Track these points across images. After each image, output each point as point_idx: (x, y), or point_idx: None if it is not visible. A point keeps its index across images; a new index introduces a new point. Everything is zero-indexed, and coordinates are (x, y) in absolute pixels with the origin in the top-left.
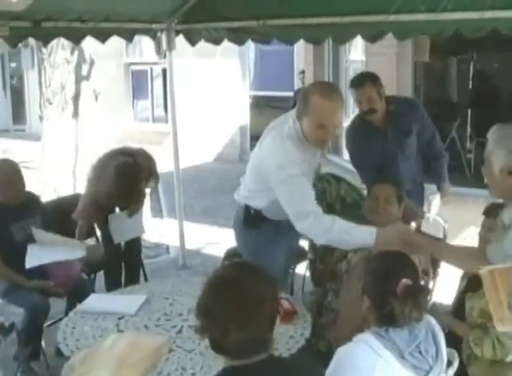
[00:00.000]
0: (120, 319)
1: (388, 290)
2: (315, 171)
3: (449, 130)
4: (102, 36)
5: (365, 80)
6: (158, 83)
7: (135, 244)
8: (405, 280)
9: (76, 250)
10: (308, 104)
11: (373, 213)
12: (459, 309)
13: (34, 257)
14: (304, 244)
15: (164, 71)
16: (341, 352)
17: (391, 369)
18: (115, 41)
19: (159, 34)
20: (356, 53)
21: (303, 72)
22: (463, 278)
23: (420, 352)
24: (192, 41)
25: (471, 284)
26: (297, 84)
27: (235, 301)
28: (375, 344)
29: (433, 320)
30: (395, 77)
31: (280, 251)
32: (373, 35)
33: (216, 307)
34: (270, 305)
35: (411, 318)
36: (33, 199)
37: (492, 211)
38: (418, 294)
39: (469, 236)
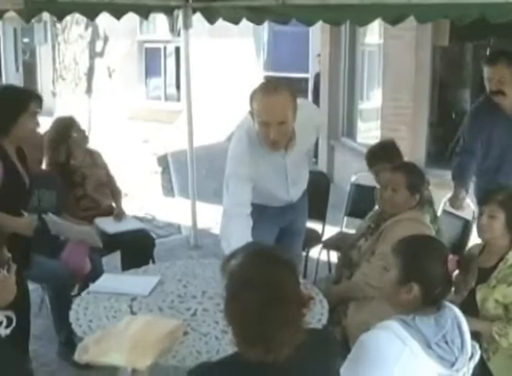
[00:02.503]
0: (133, 300)
1: (441, 269)
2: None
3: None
4: (118, 12)
5: (499, 57)
6: (171, 61)
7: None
8: (451, 256)
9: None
10: (253, 103)
11: (381, 200)
12: (468, 301)
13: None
14: (318, 227)
15: (177, 50)
16: (365, 338)
17: (417, 359)
18: (129, 19)
19: (176, 12)
20: (372, 36)
21: (319, 55)
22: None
23: (447, 343)
24: (211, 20)
25: (478, 276)
26: (316, 68)
27: (273, 303)
28: (401, 332)
29: (458, 311)
30: (414, 61)
31: (267, 234)
32: (394, 18)
33: (253, 311)
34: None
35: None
36: (49, 175)
37: (488, 198)
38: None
39: None
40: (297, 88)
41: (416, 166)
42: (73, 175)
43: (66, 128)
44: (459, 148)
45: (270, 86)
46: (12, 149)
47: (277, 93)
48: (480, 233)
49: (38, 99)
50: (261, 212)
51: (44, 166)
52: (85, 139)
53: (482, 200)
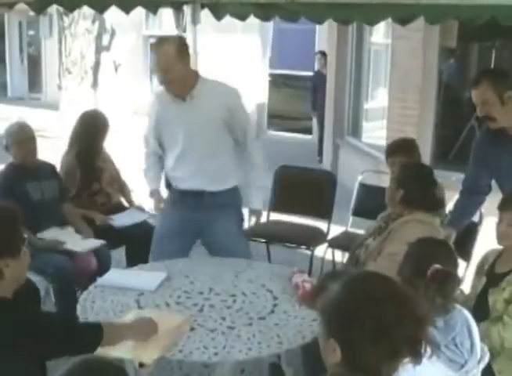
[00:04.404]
0: (140, 295)
1: (419, 272)
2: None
3: (469, 118)
4: (128, 7)
5: (481, 78)
6: None
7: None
8: (436, 266)
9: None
10: None
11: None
12: (480, 306)
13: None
14: (323, 226)
15: None
16: None
17: (426, 361)
18: (135, 13)
19: (184, 7)
20: (379, 36)
21: (319, 53)
22: (478, 274)
23: (456, 345)
24: (218, 15)
25: (492, 280)
26: (316, 66)
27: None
28: None
29: (468, 314)
30: (421, 62)
31: (168, 221)
32: (404, 18)
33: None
34: None
35: (434, 304)
36: (49, 166)
37: (507, 204)
38: (445, 282)
39: (491, 227)
40: (301, 85)
41: (424, 166)
42: (93, 169)
43: (106, 124)
44: (462, 186)
45: (158, 40)
46: None
47: (159, 42)
48: (499, 240)
49: None
50: (171, 200)
51: (67, 156)
52: None
53: (501, 207)
